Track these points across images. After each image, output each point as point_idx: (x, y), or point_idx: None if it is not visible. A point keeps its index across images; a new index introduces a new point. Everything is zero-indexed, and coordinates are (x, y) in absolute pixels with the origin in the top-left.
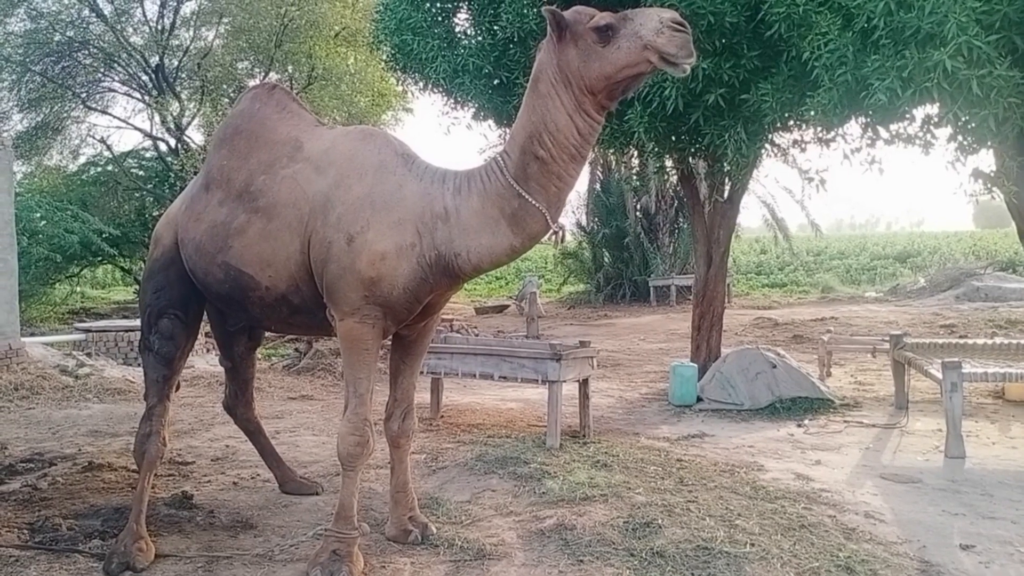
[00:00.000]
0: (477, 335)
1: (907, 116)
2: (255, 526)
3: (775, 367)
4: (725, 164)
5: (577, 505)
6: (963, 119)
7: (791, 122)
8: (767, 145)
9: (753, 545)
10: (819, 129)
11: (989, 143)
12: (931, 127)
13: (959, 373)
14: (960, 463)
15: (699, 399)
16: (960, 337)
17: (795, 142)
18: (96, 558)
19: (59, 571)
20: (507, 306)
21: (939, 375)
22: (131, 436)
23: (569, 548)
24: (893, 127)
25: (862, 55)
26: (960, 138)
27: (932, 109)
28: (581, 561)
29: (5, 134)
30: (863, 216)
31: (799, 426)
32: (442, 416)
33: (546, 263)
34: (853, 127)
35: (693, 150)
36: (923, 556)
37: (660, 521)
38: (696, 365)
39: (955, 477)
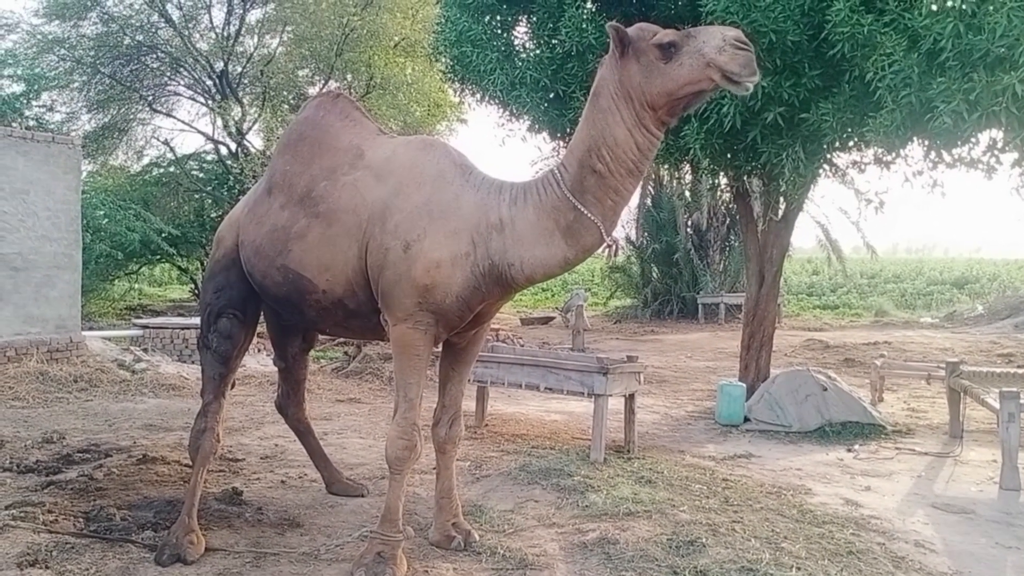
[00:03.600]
0: (523, 346)
1: (972, 140)
2: (302, 524)
3: (825, 390)
4: (781, 183)
5: (620, 520)
6: None
7: (851, 143)
8: (825, 165)
9: (799, 569)
10: (879, 150)
11: None
12: (996, 152)
13: (1017, 403)
14: (1015, 495)
15: (746, 419)
16: (1019, 367)
17: (854, 163)
18: (148, 548)
19: (112, 560)
20: (552, 318)
21: (996, 404)
22: (184, 431)
23: (611, 562)
24: (956, 150)
25: (927, 77)
26: None
27: (998, 133)
28: None
29: (74, 133)
30: (920, 240)
31: (849, 451)
32: (487, 425)
33: (593, 276)
34: (915, 149)
35: (749, 168)
36: None
37: (704, 540)
38: (744, 385)
39: (1009, 509)
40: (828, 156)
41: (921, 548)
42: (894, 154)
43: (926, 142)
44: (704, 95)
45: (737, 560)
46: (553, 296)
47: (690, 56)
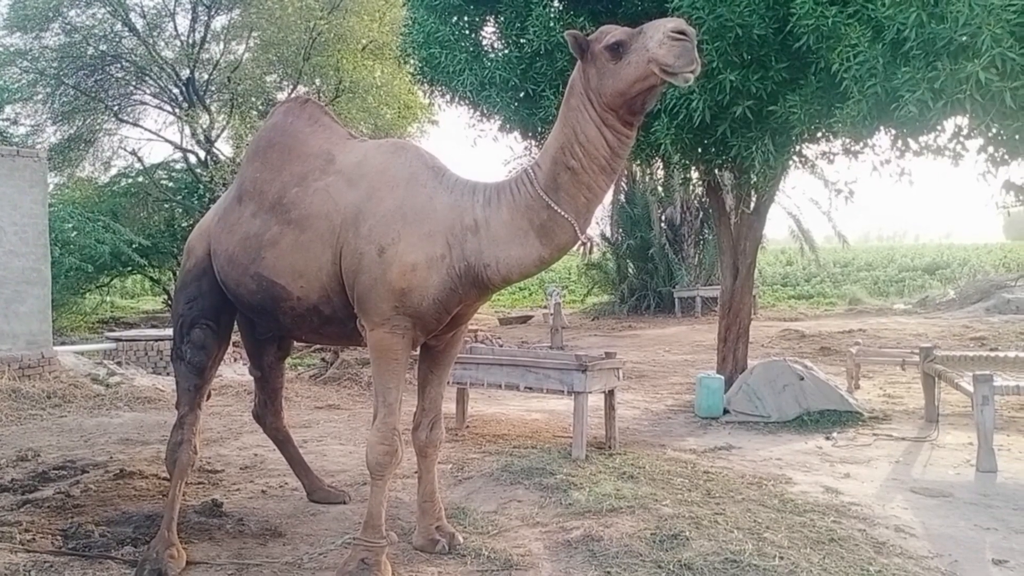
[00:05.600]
0: (501, 346)
1: (937, 128)
2: (284, 534)
3: (802, 379)
4: (752, 176)
5: (604, 516)
6: (994, 130)
7: (819, 134)
8: (794, 157)
9: (782, 558)
10: (847, 141)
11: (1022, 154)
12: (962, 139)
13: (990, 386)
14: (992, 477)
15: (725, 411)
16: (991, 350)
17: (823, 154)
18: (128, 564)
19: None
20: (531, 317)
21: (970, 388)
22: (161, 444)
23: (596, 559)
24: (923, 139)
25: (892, 67)
26: (992, 150)
27: (963, 121)
28: (608, 572)
29: (39, 146)
30: (891, 228)
31: (827, 439)
32: (468, 426)
33: (570, 274)
34: (882, 138)
35: (720, 162)
36: (954, 571)
37: (688, 533)
38: (722, 377)
39: (987, 491)
40: (797, 147)
41: (901, 533)
42: (862, 144)
43: (893, 131)
44: (655, 90)
45: (721, 552)
46: (531, 295)
47: (636, 53)
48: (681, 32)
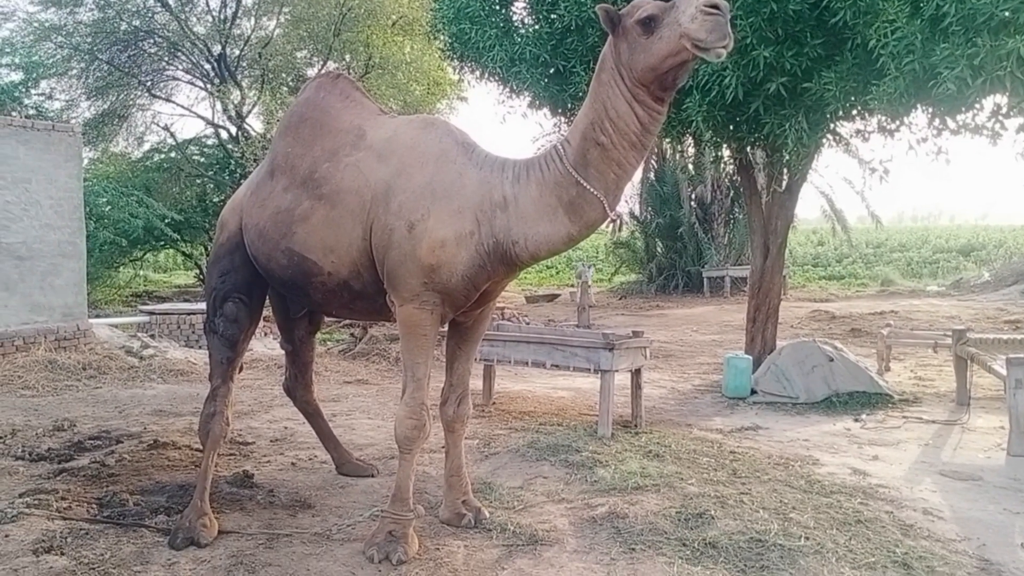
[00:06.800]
0: (528, 323)
1: (976, 105)
2: (313, 506)
3: (832, 360)
4: (785, 154)
5: (629, 494)
6: None
7: (854, 111)
8: (828, 135)
9: (808, 539)
10: (883, 119)
11: None
12: (1000, 117)
13: None
14: (1023, 461)
15: (753, 392)
16: None
17: (858, 132)
18: (162, 533)
19: (126, 545)
20: (558, 295)
21: (1003, 371)
22: (194, 416)
23: (621, 536)
24: (961, 117)
25: (930, 43)
26: None
27: (1002, 99)
28: (633, 549)
29: (74, 121)
30: (925, 208)
31: (856, 420)
32: (494, 403)
33: (598, 252)
34: (919, 117)
35: (752, 139)
36: (983, 554)
37: (713, 512)
38: (751, 357)
39: (1017, 475)
40: (831, 125)
41: (929, 516)
42: (898, 122)
43: (930, 109)
44: (687, 66)
45: (746, 531)
46: (558, 273)
47: (668, 28)
48: (714, 6)
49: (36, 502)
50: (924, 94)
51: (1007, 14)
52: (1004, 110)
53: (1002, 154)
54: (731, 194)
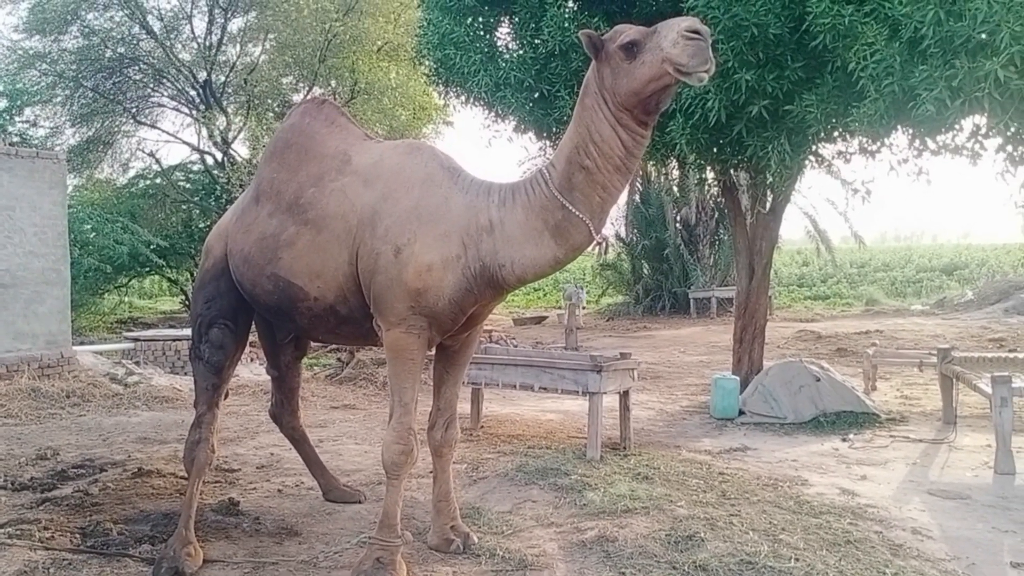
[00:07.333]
0: (516, 346)
1: (955, 126)
2: (300, 533)
3: (819, 380)
4: (768, 175)
5: (618, 517)
6: (1013, 129)
7: (836, 133)
8: (811, 156)
9: (798, 560)
10: (864, 140)
11: None
12: (980, 138)
13: (1009, 387)
14: (1010, 479)
15: (741, 412)
16: (1010, 351)
17: (839, 153)
18: (146, 562)
19: (110, 574)
20: (545, 317)
21: (989, 390)
22: (179, 443)
23: (611, 560)
24: (940, 138)
25: (909, 65)
26: (1010, 148)
27: (981, 119)
28: (623, 573)
29: (58, 148)
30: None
31: (844, 440)
32: (482, 426)
33: (585, 275)
34: (899, 138)
35: (735, 162)
36: (972, 573)
37: (703, 534)
38: (738, 378)
39: (1005, 494)
40: (813, 147)
41: (918, 535)
42: (879, 143)
43: (910, 130)
44: (670, 90)
45: (736, 553)
46: (545, 296)
47: (650, 53)
48: (695, 31)
49: (18, 532)
50: (904, 115)
51: (984, 36)
52: (983, 131)
53: (982, 173)
54: (716, 215)
